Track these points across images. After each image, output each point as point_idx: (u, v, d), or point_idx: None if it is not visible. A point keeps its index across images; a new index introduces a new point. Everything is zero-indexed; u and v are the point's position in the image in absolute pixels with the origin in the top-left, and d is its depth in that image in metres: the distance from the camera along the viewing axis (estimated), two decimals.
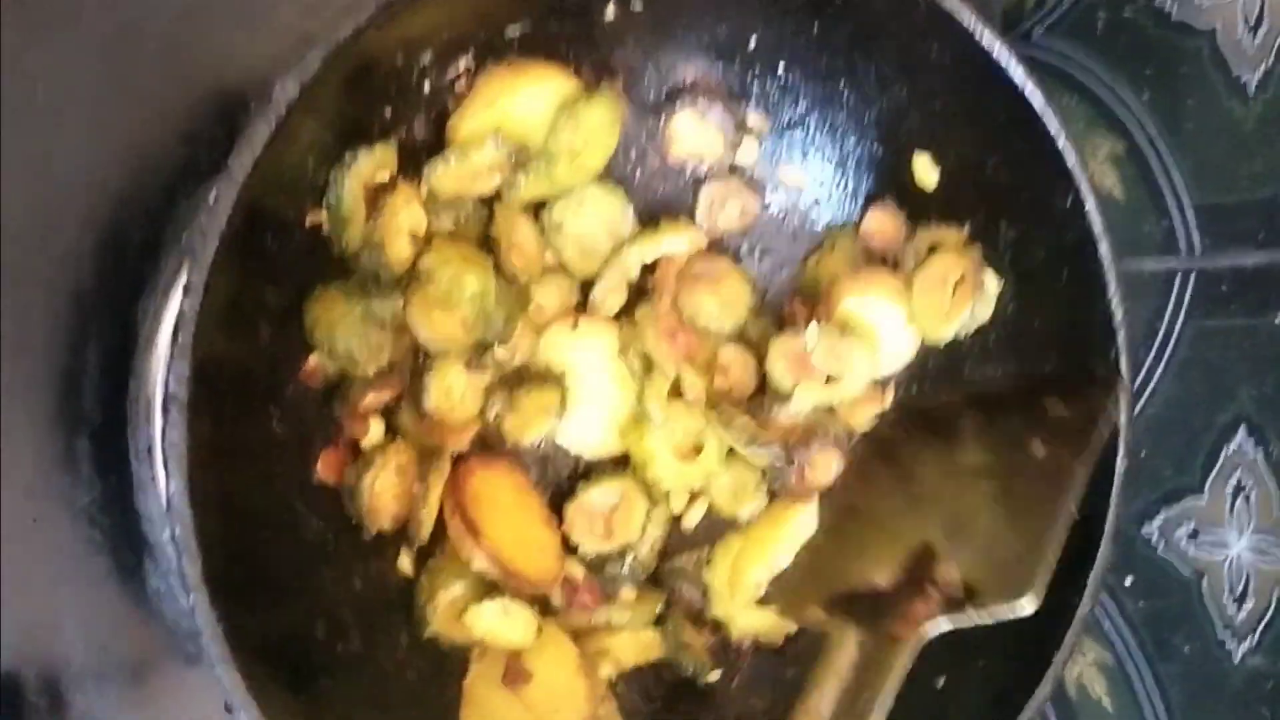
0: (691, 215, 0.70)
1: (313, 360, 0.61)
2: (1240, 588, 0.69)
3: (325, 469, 0.62)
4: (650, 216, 0.69)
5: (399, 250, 0.61)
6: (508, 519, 0.64)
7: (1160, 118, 0.75)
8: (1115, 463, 0.60)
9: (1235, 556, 0.70)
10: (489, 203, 0.65)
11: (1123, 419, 0.60)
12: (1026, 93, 0.59)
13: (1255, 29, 0.69)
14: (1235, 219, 0.71)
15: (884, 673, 0.51)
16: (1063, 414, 0.60)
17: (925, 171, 0.68)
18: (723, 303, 0.68)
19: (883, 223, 0.69)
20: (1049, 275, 0.64)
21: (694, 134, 0.68)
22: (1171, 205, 0.74)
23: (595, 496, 0.67)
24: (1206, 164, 0.72)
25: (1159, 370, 0.74)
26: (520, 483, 0.66)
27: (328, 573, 0.61)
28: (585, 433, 0.68)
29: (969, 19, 0.59)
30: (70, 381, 0.59)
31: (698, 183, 0.70)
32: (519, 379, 0.65)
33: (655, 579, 0.69)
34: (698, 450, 0.67)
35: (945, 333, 0.68)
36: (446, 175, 0.62)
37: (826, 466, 0.68)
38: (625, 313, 0.68)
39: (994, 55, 0.59)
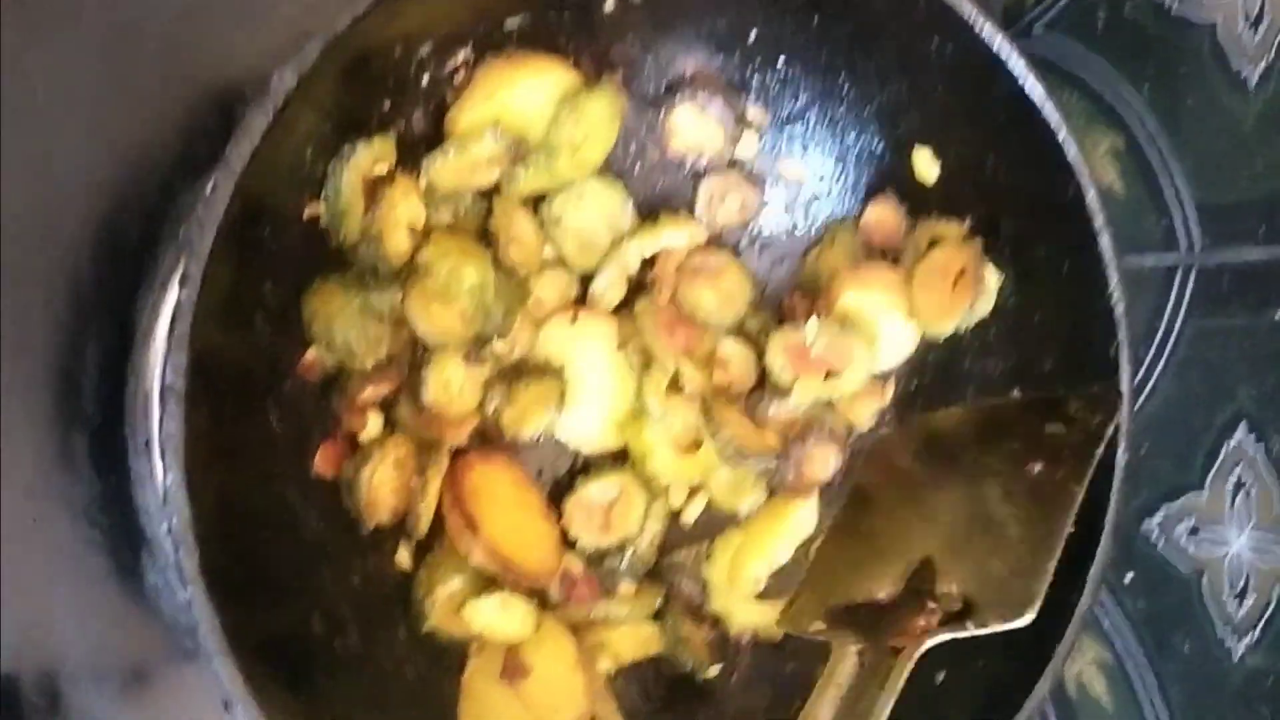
0: (691, 209, 0.70)
1: (311, 353, 0.60)
2: (1240, 585, 0.69)
3: (323, 463, 0.61)
4: (650, 210, 0.69)
5: (397, 243, 0.61)
6: (506, 513, 0.64)
7: (1160, 114, 0.75)
8: (1116, 458, 0.59)
9: (1235, 554, 0.70)
10: (488, 196, 0.65)
11: (1124, 415, 0.60)
12: (1027, 86, 0.59)
13: (1256, 24, 0.69)
14: (1235, 215, 0.70)
15: (883, 683, 0.53)
16: (1061, 434, 0.61)
17: (926, 165, 0.68)
18: (722, 297, 0.68)
19: (883, 217, 0.69)
20: (1050, 269, 0.64)
21: (694, 127, 0.68)
22: (1171, 202, 0.74)
23: (594, 491, 0.67)
24: (1207, 160, 0.72)
25: (1159, 367, 0.74)
26: (519, 477, 0.66)
27: (326, 567, 0.61)
28: (584, 427, 0.68)
29: (969, 12, 0.59)
30: (69, 379, 0.59)
31: (697, 176, 0.70)
32: (518, 373, 0.65)
33: (654, 574, 0.69)
34: (697, 445, 0.67)
35: (945, 327, 0.68)
36: (445, 168, 0.62)
37: (824, 461, 0.67)
38: (624, 307, 0.68)
39: (994, 48, 0.59)
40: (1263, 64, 0.69)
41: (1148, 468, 0.73)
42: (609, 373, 0.67)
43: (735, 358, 0.69)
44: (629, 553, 0.67)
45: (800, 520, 0.68)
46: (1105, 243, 0.59)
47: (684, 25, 0.67)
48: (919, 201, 0.68)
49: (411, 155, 0.61)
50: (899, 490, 0.65)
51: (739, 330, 0.69)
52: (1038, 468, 0.60)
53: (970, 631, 0.54)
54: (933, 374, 0.70)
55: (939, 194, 0.68)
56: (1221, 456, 0.70)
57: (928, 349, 0.70)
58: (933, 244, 0.67)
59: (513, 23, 0.62)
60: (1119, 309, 0.59)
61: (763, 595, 0.68)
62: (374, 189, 0.60)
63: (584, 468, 0.69)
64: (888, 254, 0.69)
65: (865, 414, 0.70)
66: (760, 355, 0.68)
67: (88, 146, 0.59)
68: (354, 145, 0.58)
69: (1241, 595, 0.69)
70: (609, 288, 0.67)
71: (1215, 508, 0.71)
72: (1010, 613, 0.53)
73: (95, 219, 0.59)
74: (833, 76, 0.68)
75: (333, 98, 0.56)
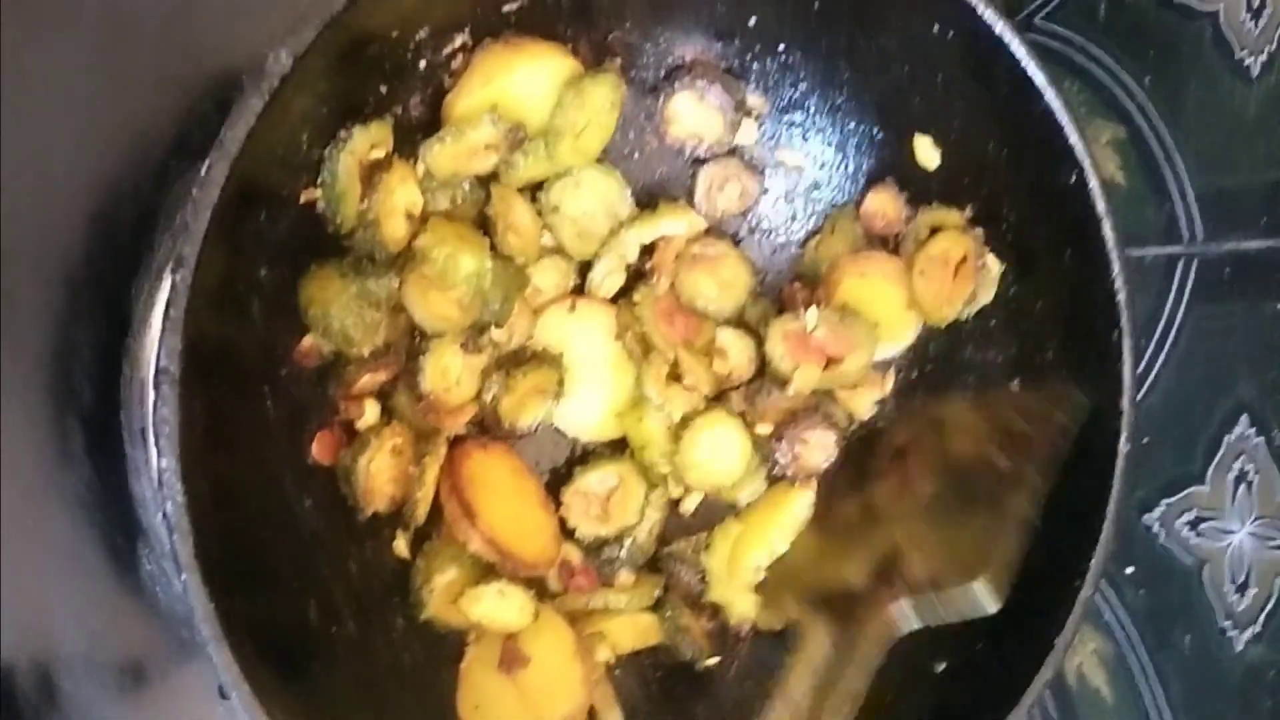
0: (690, 197, 0.70)
1: (307, 340, 0.60)
2: (1242, 577, 0.69)
3: (320, 450, 0.61)
4: (648, 198, 0.69)
5: (394, 229, 0.60)
6: (505, 502, 0.63)
7: (1162, 103, 0.75)
8: (1118, 449, 0.59)
9: (1237, 545, 0.69)
10: (485, 182, 0.64)
11: (1125, 404, 0.59)
12: (1029, 71, 0.59)
13: (1258, 13, 0.69)
14: (1237, 204, 0.70)
15: (856, 663, 0.55)
16: (1024, 430, 0.62)
17: (926, 153, 0.67)
18: (721, 285, 0.68)
19: (883, 204, 0.69)
20: (1051, 256, 0.63)
21: (693, 114, 0.68)
22: (1173, 191, 0.74)
23: (593, 480, 0.67)
24: (1208, 149, 0.72)
25: (1160, 358, 0.74)
26: (517, 465, 0.66)
27: (322, 555, 0.61)
28: (583, 415, 0.67)
29: None
30: (64, 367, 0.58)
31: (697, 164, 0.70)
32: (516, 361, 0.65)
33: (653, 563, 0.69)
34: None
35: (946, 315, 0.68)
36: (443, 153, 0.61)
37: (822, 448, 0.67)
38: (623, 295, 0.68)
39: (996, 32, 0.59)
40: (1265, 53, 0.69)
41: (1149, 459, 0.72)
42: (607, 361, 0.67)
43: (735, 346, 0.68)
44: (628, 542, 0.67)
45: (799, 510, 0.68)
46: (1108, 229, 0.59)
47: (683, 11, 0.67)
48: (920, 189, 0.68)
49: (409, 140, 0.61)
50: (863, 498, 0.66)
51: (739, 319, 0.69)
52: (1000, 458, 0.61)
53: (932, 604, 0.55)
54: (933, 363, 0.70)
55: (940, 182, 0.67)
56: (1223, 448, 0.70)
57: (928, 338, 0.70)
58: (933, 232, 0.67)
59: (511, 7, 0.62)
60: (1121, 296, 0.59)
61: (761, 585, 0.68)
62: (371, 174, 0.59)
63: (582, 457, 0.69)
64: (888, 242, 0.69)
65: (865, 403, 0.70)
66: (760, 344, 0.68)
67: (83, 133, 0.59)
68: (351, 130, 0.58)
69: (1243, 587, 0.69)
70: (607, 276, 0.67)
71: (1217, 500, 0.71)
72: (966, 578, 0.54)
73: (90, 206, 0.59)
74: (833, 63, 0.67)
75: (329, 81, 0.56)
